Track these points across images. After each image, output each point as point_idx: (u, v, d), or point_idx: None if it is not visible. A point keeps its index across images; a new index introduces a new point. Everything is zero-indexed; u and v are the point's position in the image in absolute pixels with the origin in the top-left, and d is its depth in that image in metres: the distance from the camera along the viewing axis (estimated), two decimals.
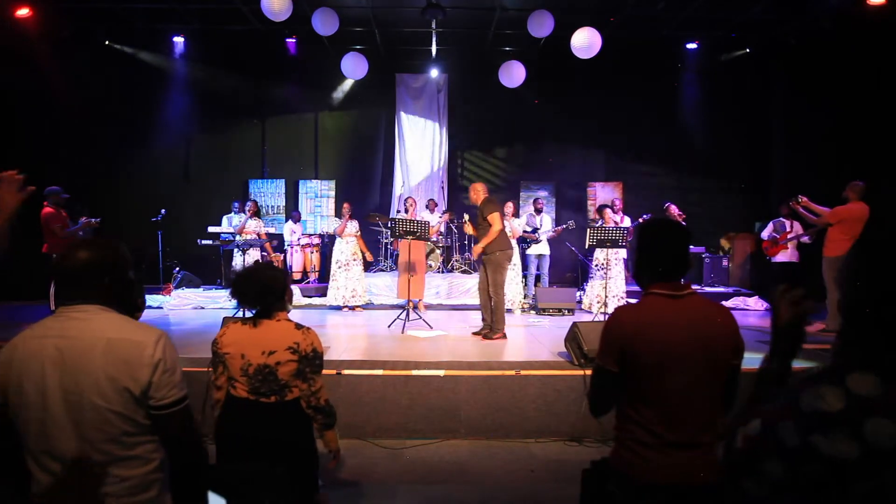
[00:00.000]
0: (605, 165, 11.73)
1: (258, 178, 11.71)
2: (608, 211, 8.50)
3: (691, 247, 2.10)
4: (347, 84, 11.40)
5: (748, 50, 10.77)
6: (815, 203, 6.69)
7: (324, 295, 8.98)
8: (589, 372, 4.60)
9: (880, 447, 0.94)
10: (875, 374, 1.00)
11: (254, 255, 8.70)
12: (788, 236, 9.04)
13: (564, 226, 9.24)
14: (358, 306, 8.65)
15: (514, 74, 9.80)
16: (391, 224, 7.71)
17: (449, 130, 11.78)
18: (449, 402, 4.73)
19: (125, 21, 9.81)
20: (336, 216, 9.79)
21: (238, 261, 8.72)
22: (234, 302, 2.59)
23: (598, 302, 7.75)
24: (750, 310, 9.07)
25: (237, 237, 8.93)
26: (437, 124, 11.74)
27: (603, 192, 11.78)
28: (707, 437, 1.81)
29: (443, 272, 9.89)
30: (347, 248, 8.56)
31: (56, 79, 9.17)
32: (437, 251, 10.05)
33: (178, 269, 9.63)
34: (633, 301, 6.12)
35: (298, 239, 10.43)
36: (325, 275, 9.77)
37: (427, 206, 10.45)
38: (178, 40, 10.55)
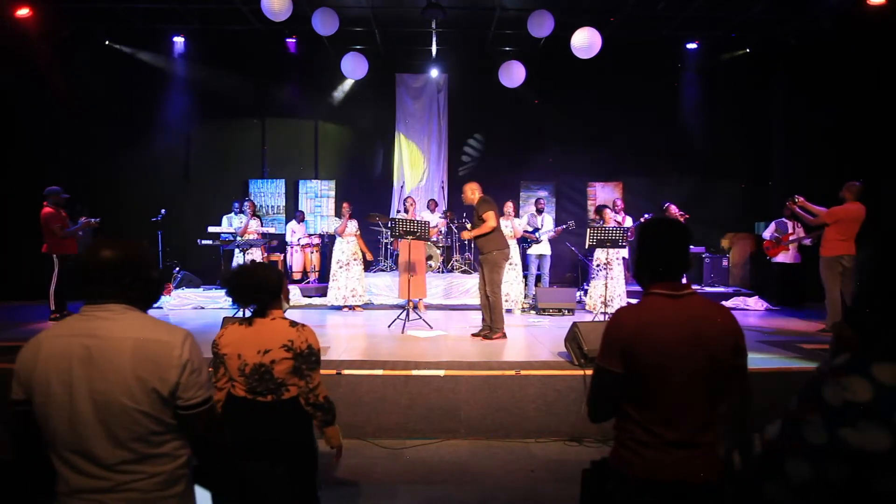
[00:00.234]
0: (605, 165, 11.72)
1: (258, 178, 11.71)
2: (608, 211, 8.50)
3: (691, 247, 2.10)
4: (347, 84, 11.40)
5: (748, 50, 10.78)
6: (814, 203, 6.69)
7: (324, 295, 8.98)
8: (589, 372, 4.60)
9: None
10: None
11: (254, 256, 8.71)
12: (791, 237, 9.04)
13: (564, 226, 9.24)
14: (358, 306, 8.66)
15: (514, 74, 9.80)
16: (391, 224, 7.71)
17: (449, 130, 11.79)
18: (449, 402, 4.73)
19: (125, 21, 9.81)
20: (336, 216, 9.79)
21: (239, 261, 8.74)
22: (231, 299, 2.59)
23: (602, 303, 7.75)
24: (750, 310, 9.07)
25: (238, 238, 8.94)
26: (437, 124, 11.74)
27: (603, 192, 11.78)
28: (707, 436, 1.81)
29: (443, 272, 9.89)
30: (348, 248, 8.56)
31: (56, 79, 9.17)
32: (437, 251, 10.05)
33: (178, 268, 9.63)
34: (633, 301, 6.13)
35: (299, 239, 10.44)
36: (325, 275, 9.77)
37: (427, 206, 10.45)
38: (178, 40, 10.55)
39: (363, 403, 4.70)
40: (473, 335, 6.46)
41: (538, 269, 9.44)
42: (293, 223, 10.67)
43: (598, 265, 8.10)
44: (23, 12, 8.54)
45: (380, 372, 4.81)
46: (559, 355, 5.38)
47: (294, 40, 10.56)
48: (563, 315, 8.21)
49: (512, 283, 8.47)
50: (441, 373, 4.82)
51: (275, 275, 2.58)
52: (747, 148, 11.29)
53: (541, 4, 8.71)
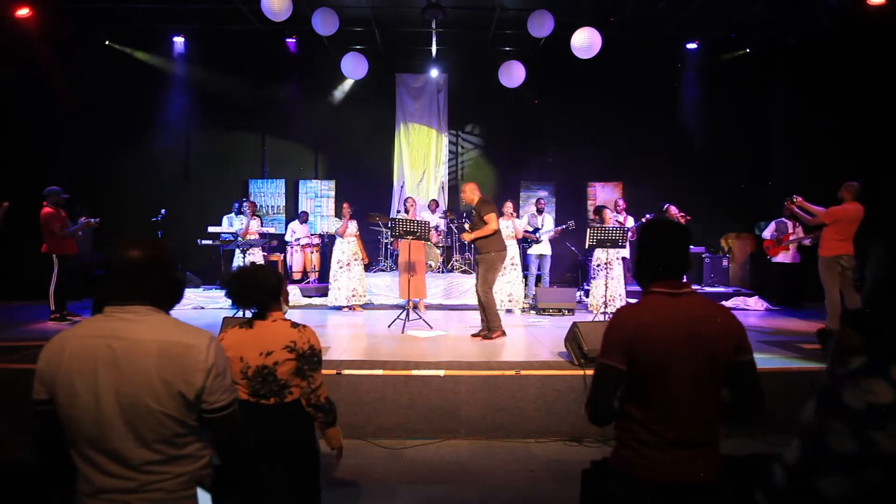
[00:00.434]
0: (605, 165, 11.72)
1: (258, 178, 11.71)
2: (607, 211, 8.50)
3: (691, 247, 2.10)
4: (347, 84, 11.40)
5: (748, 50, 10.78)
6: (813, 203, 6.69)
7: (324, 295, 8.98)
8: (589, 372, 4.60)
9: None
10: None
11: (255, 256, 8.70)
12: (791, 237, 9.04)
13: (564, 226, 9.23)
14: (358, 306, 8.66)
15: (514, 74, 9.80)
16: (391, 224, 7.71)
17: (449, 130, 11.79)
18: (449, 402, 4.73)
19: (125, 21, 9.81)
20: (336, 216, 9.80)
21: (239, 262, 8.74)
22: (231, 301, 2.60)
23: (603, 303, 7.75)
24: (750, 310, 9.08)
25: (239, 238, 8.94)
26: (437, 124, 11.74)
27: (603, 192, 11.78)
28: (708, 436, 1.81)
29: (443, 272, 9.89)
30: (349, 248, 8.56)
31: (56, 79, 9.17)
32: (438, 251, 10.05)
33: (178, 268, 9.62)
34: (633, 301, 6.12)
35: (298, 239, 10.43)
36: (325, 275, 9.77)
37: (428, 206, 10.45)
38: (178, 40, 10.56)
39: (363, 403, 4.70)
40: (473, 335, 6.45)
41: (538, 269, 9.44)
42: (294, 223, 10.66)
43: (597, 265, 8.09)
44: (23, 12, 8.54)
45: (380, 372, 4.81)
46: (559, 355, 5.38)
47: (294, 40, 10.57)
48: (563, 315, 8.21)
49: (513, 283, 8.48)
50: (441, 373, 4.82)
51: (274, 277, 2.58)
52: (747, 148, 11.29)
53: (541, 4, 8.71)
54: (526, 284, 9.08)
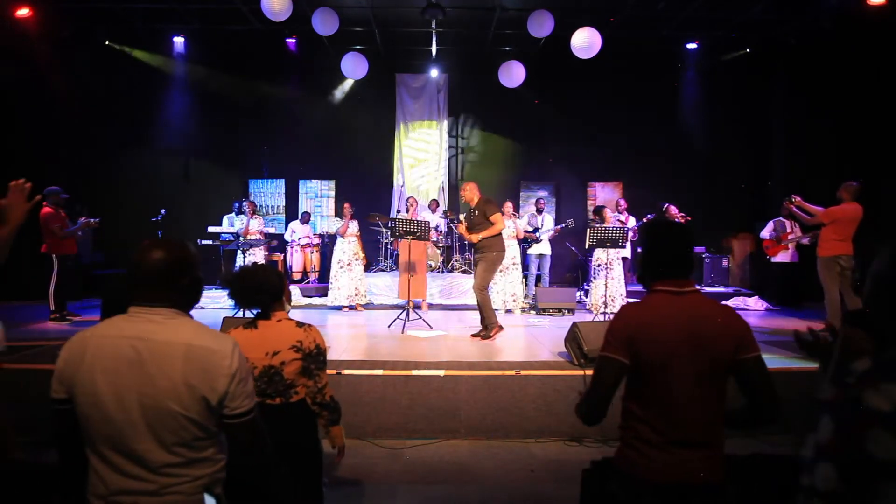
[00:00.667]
0: (605, 165, 11.72)
1: (258, 178, 11.71)
2: (607, 211, 8.50)
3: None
4: (347, 84, 11.40)
5: (748, 50, 10.77)
6: (813, 203, 6.69)
7: (324, 295, 8.97)
8: (589, 372, 4.60)
9: None
10: None
11: (256, 256, 8.70)
12: (790, 237, 9.05)
13: (564, 224, 9.23)
14: (359, 305, 8.66)
15: (514, 74, 9.81)
16: (391, 224, 7.71)
17: (449, 130, 11.78)
18: (449, 402, 4.73)
19: (125, 21, 9.81)
20: (336, 216, 9.80)
21: (240, 262, 8.73)
22: (232, 302, 2.60)
23: (603, 303, 7.75)
24: (750, 310, 9.07)
25: (240, 238, 8.93)
26: (437, 124, 11.74)
27: (603, 192, 11.78)
28: (710, 436, 1.81)
29: (443, 272, 9.89)
30: (349, 248, 8.56)
31: (56, 79, 9.17)
32: (437, 251, 10.05)
33: None
34: (634, 300, 6.12)
35: (299, 239, 10.43)
36: (325, 275, 9.77)
37: (429, 206, 10.45)
38: (178, 40, 10.56)
39: (363, 403, 4.70)
40: (473, 335, 6.45)
41: (538, 269, 9.44)
42: (295, 223, 10.66)
43: (598, 265, 8.10)
44: (23, 12, 8.54)
45: (380, 372, 4.81)
46: (559, 355, 5.38)
47: (294, 40, 10.56)
48: (563, 315, 8.22)
49: (514, 283, 8.48)
50: (441, 373, 4.82)
51: (275, 277, 2.58)
52: (747, 148, 11.28)
53: (541, 4, 8.71)
54: (526, 284, 9.08)
